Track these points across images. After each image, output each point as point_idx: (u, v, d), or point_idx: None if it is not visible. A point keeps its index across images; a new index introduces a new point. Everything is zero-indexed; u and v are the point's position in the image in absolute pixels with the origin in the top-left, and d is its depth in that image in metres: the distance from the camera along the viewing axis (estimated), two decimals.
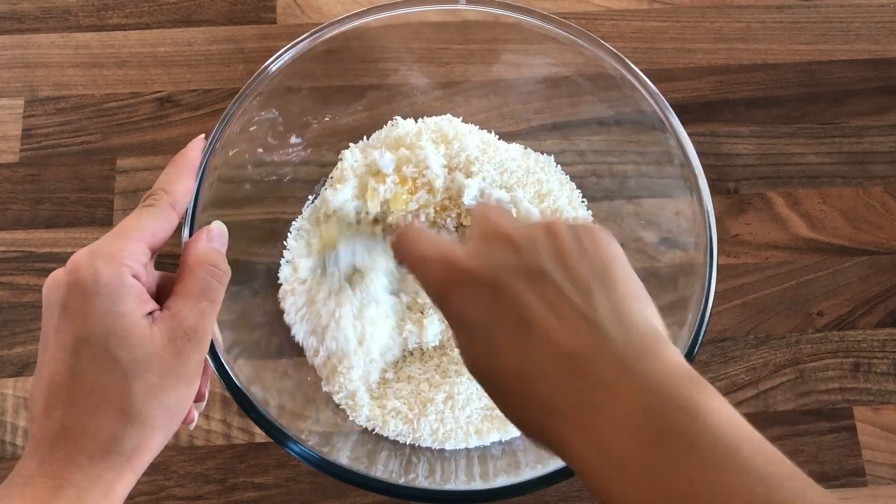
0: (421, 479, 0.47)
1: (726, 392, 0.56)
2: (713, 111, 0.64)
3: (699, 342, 0.44)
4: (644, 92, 0.49)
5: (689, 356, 0.44)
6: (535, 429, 0.32)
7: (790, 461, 0.27)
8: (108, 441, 0.32)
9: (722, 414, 0.28)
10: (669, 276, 0.50)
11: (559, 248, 0.33)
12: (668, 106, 0.48)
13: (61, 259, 0.58)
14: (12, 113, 0.63)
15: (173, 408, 0.35)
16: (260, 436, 0.54)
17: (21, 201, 0.61)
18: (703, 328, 0.44)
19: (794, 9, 0.68)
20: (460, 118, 0.58)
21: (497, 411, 0.43)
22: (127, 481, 0.33)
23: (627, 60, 0.49)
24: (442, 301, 0.35)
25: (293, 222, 0.56)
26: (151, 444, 0.34)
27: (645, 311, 0.32)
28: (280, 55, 0.48)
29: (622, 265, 0.34)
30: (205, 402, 0.43)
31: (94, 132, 0.63)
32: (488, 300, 0.32)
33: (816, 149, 0.63)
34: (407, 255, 0.37)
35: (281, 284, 0.53)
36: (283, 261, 0.55)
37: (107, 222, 0.60)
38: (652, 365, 0.29)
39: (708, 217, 0.46)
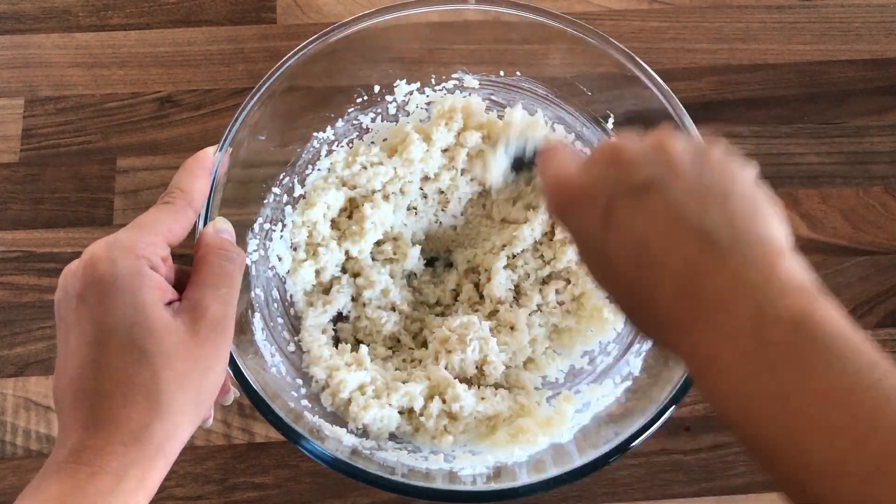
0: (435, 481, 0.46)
1: None
2: (713, 111, 0.64)
3: None
4: (655, 90, 0.48)
5: None
6: (648, 332, 0.35)
7: None
8: (140, 430, 0.32)
9: (832, 325, 0.28)
10: None
11: (670, 160, 0.33)
12: (680, 104, 0.48)
13: (61, 259, 0.59)
14: (12, 113, 0.63)
15: (202, 397, 0.35)
16: (260, 436, 0.54)
17: (21, 201, 0.61)
18: None
19: (794, 9, 0.68)
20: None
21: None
22: (160, 469, 0.33)
23: (638, 59, 0.48)
24: (558, 218, 0.36)
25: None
26: (181, 433, 0.34)
27: (766, 225, 0.32)
28: (292, 56, 0.48)
29: (744, 182, 0.33)
30: (232, 396, 0.43)
31: (94, 132, 0.63)
32: (599, 221, 0.33)
33: (816, 149, 0.63)
34: (541, 172, 0.39)
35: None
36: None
37: (107, 222, 0.60)
38: (764, 278, 0.29)
39: None
